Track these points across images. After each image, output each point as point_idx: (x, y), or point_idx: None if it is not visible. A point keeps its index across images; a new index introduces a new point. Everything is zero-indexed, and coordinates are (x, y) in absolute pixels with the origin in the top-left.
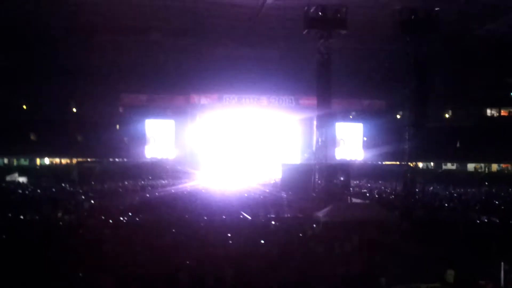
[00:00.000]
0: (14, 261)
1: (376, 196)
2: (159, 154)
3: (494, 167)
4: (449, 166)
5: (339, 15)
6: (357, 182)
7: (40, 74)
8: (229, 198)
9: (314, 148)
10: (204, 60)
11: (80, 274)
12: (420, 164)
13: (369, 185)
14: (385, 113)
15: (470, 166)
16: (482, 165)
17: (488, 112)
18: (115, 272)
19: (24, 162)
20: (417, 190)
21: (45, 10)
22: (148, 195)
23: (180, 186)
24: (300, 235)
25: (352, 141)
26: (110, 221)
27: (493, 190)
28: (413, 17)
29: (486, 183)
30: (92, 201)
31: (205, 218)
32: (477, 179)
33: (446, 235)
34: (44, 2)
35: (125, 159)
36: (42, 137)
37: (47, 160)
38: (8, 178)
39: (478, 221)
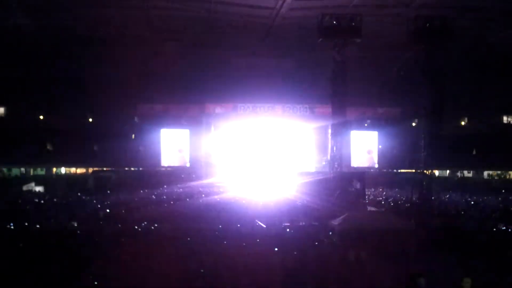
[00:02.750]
0: (30, 269)
1: (392, 204)
2: (174, 163)
3: None
4: (465, 174)
5: (353, 24)
6: (373, 190)
7: (57, 85)
8: (244, 206)
9: (329, 157)
10: (219, 69)
11: (96, 283)
12: (436, 172)
13: (384, 193)
14: (400, 121)
15: (487, 174)
16: (499, 172)
17: (505, 119)
18: (130, 280)
19: (40, 171)
20: (433, 198)
21: (62, 22)
22: (163, 205)
23: (195, 195)
24: (316, 243)
25: (367, 149)
26: (126, 230)
27: (511, 198)
28: (428, 25)
29: (503, 191)
30: (108, 210)
31: (220, 226)
32: (494, 187)
33: (462, 243)
34: (62, 15)
35: (140, 168)
36: (59, 147)
37: (63, 170)
38: (25, 187)
39: (495, 229)
